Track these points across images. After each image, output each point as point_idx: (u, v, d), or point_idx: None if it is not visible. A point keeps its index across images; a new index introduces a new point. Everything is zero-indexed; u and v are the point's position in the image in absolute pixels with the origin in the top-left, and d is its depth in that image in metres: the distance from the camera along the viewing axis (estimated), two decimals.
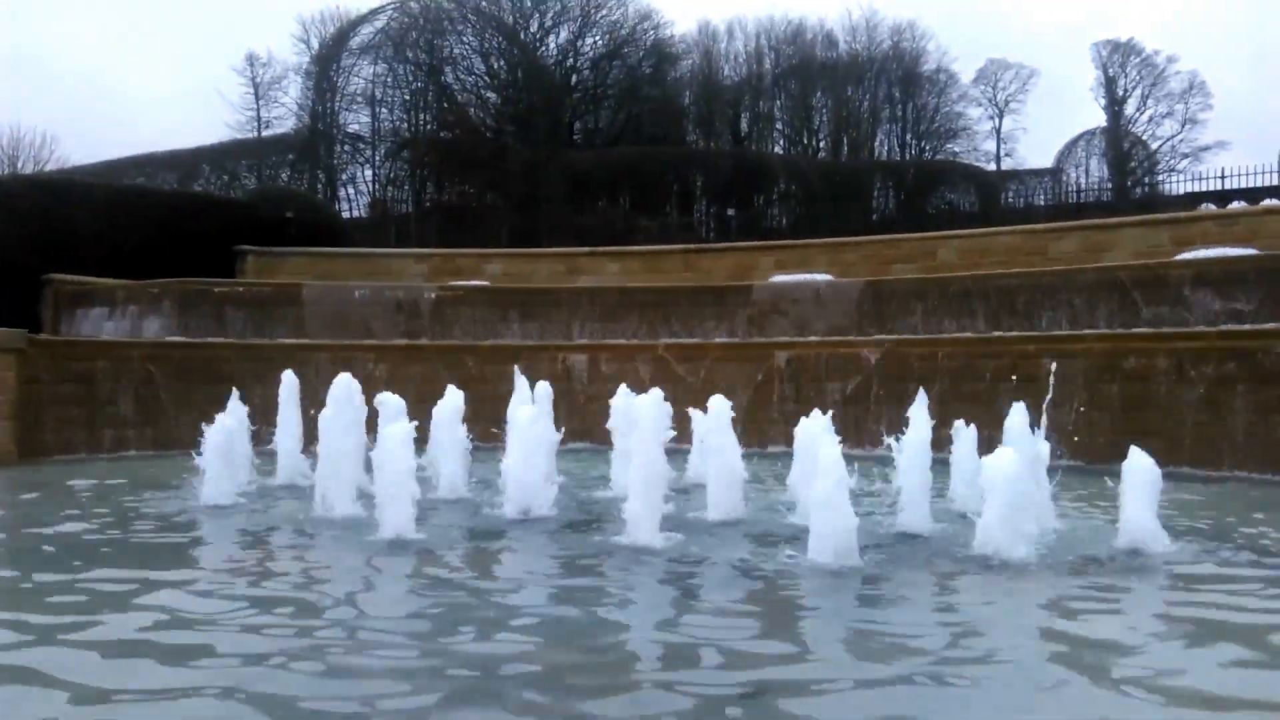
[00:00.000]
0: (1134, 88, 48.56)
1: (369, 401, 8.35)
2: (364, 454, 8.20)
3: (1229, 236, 12.65)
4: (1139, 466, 6.40)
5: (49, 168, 42.36)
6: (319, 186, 38.16)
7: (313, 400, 9.32)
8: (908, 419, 7.18)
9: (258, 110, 45.95)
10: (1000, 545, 6.16)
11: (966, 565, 6.11)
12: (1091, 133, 47.91)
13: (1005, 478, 6.09)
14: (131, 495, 9.21)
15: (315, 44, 43.50)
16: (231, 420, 9.34)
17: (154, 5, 66.55)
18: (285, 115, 44.62)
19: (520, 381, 9.65)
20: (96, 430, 11.95)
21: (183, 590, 5.47)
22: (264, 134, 42.63)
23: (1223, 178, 37.74)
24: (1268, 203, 34.79)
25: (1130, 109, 48.45)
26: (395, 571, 6.17)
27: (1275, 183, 40.37)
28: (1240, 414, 7.44)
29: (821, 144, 44.96)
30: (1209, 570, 5.93)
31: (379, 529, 7.19)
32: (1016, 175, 45.66)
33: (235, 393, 9.85)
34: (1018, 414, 7.03)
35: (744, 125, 45.52)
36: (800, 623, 4.97)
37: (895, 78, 45.07)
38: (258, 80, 45.91)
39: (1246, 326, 8.09)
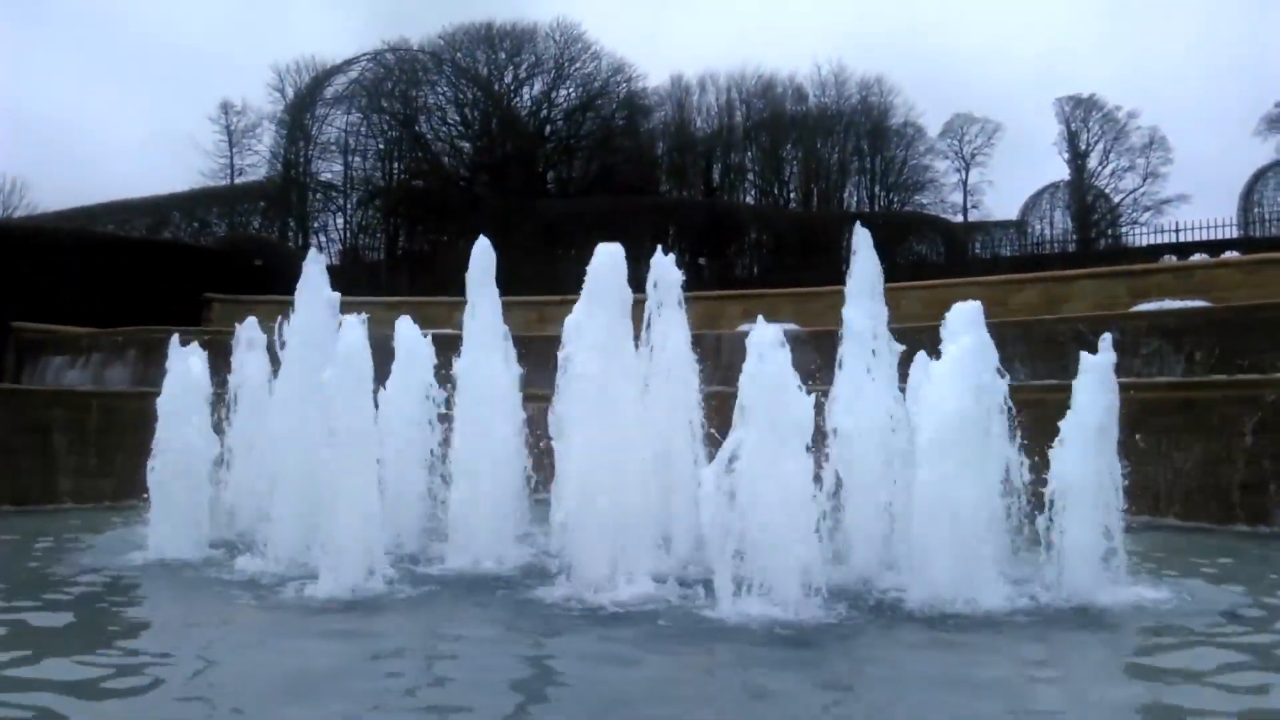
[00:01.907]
0: (1096, 142, 49.79)
1: None
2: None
3: (1184, 288, 12.94)
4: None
5: (19, 214, 42.13)
6: (290, 234, 38.16)
7: None
8: None
9: (231, 157, 46.10)
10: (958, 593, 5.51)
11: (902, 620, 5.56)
12: (1055, 185, 48.93)
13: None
14: (53, 550, 8.30)
15: (290, 92, 43.81)
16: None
17: (128, 51, 66.91)
18: (258, 163, 44.79)
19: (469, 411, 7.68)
20: (53, 480, 11.75)
21: None
22: (237, 181, 42.70)
23: (1177, 231, 38.50)
24: (1228, 255, 35.47)
25: (1093, 162, 49.63)
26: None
27: (1234, 235, 41.38)
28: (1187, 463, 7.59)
29: (792, 195, 45.64)
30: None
31: (317, 584, 6.07)
32: (983, 227, 46.45)
33: (194, 358, 8.44)
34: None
35: (716, 176, 46.13)
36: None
37: (864, 131, 45.95)
38: (232, 128, 46.14)
39: (1196, 378, 8.29)
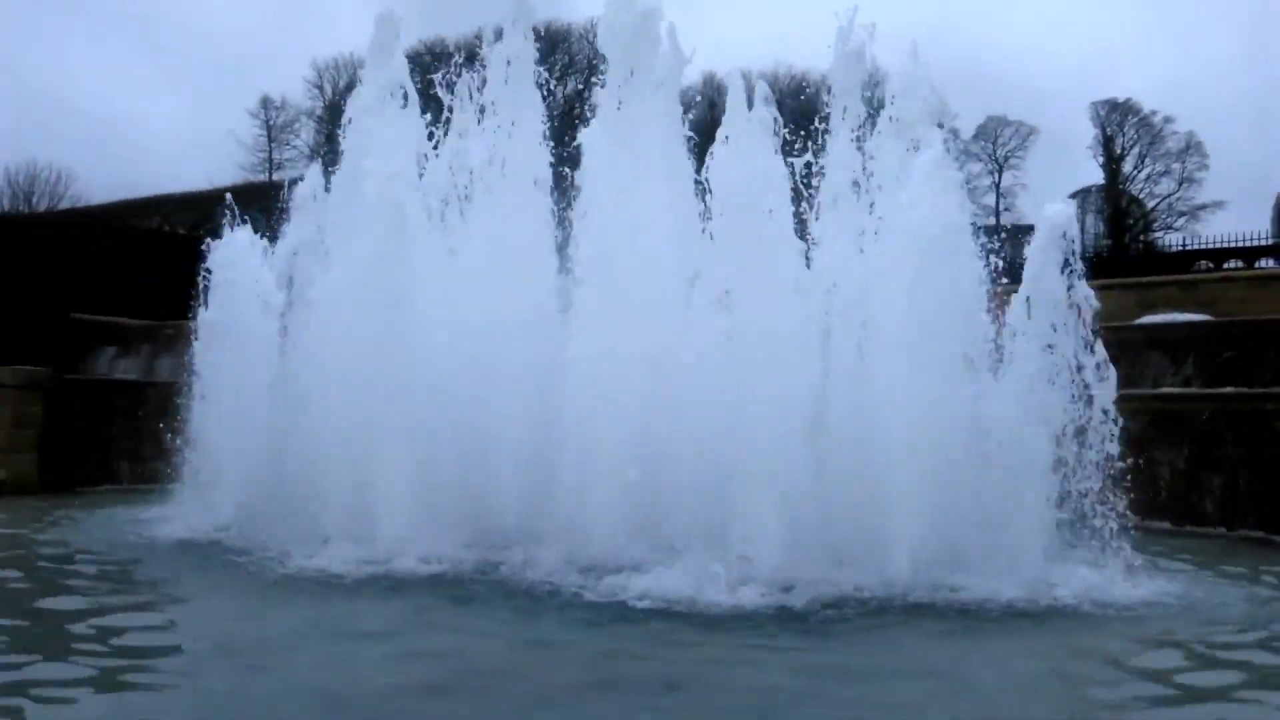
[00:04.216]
0: (1131, 146, 49.58)
1: None
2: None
3: (1190, 301, 13.30)
4: None
5: (63, 205, 43.24)
6: None
7: None
8: None
9: (269, 152, 47.16)
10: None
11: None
12: (1089, 190, 48.85)
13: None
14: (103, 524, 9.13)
15: (329, 90, 44.75)
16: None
17: (167, 42, 67.97)
18: (297, 158, 45.71)
19: None
20: (115, 465, 12.51)
21: None
22: (275, 176, 43.66)
23: (1190, 244, 38.28)
24: (1264, 264, 35.29)
25: (1128, 167, 49.42)
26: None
27: (1268, 242, 41.16)
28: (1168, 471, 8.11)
29: None
30: None
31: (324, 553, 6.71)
32: (1016, 230, 46.40)
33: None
34: None
35: None
36: None
37: None
38: (271, 123, 47.20)
39: (1176, 390, 8.81)
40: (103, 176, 54.14)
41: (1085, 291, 6.21)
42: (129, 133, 61.41)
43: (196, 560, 7.32)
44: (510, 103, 8.24)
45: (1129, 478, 6.53)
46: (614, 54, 7.56)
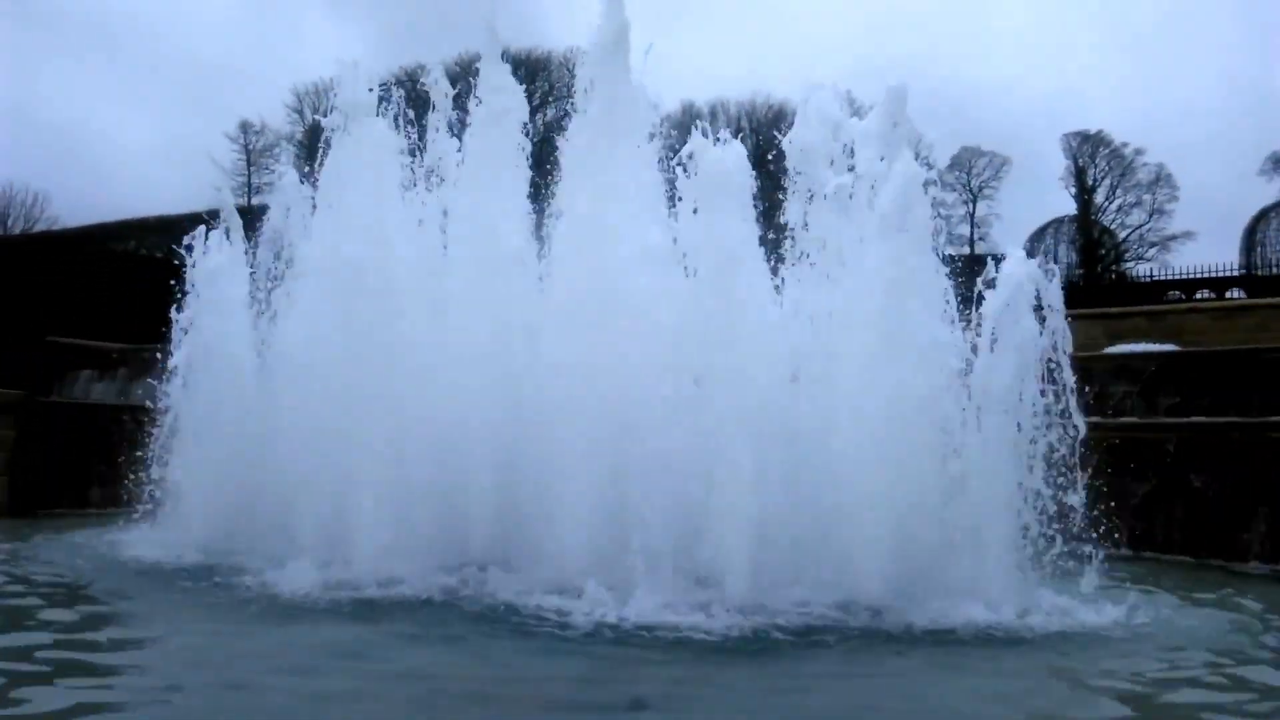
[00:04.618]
0: (1103, 178, 50.30)
1: None
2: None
3: (1157, 331, 13.59)
4: None
5: (39, 227, 42.84)
6: None
7: None
8: None
9: (249, 176, 47.06)
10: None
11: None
12: (1061, 220, 49.50)
13: None
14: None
15: (309, 115, 44.74)
16: None
17: (139, 62, 67.39)
18: (276, 182, 45.55)
19: None
20: (87, 489, 12.41)
21: None
22: (254, 201, 43.52)
23: (1161, 275, 38.88)
24: (1233, 294, 35.88)
25: (1099, 198, 50.11)
26: None
27: (1237, 273, 41.84)
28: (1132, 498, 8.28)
29: None
30: None
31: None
32: (990, 260, 46.79)
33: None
34: None
35: None
36: None
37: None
38: (250, 147, 47.14)
39: (1143, 420, 9.02)
40: (77, 198, 53.66)
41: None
42: (103, 154, 60.93)
43: (161, 585, 7.25)
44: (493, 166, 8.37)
45: (1096, 505, 6.64)
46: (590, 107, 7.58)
